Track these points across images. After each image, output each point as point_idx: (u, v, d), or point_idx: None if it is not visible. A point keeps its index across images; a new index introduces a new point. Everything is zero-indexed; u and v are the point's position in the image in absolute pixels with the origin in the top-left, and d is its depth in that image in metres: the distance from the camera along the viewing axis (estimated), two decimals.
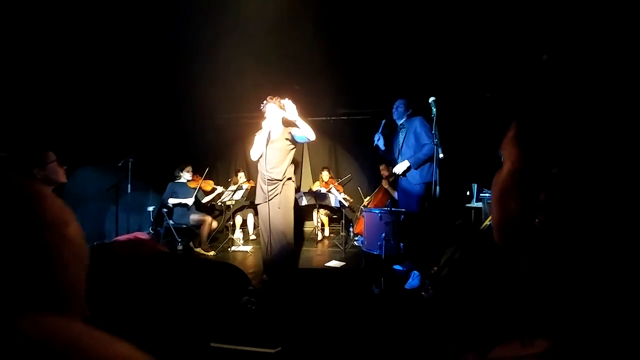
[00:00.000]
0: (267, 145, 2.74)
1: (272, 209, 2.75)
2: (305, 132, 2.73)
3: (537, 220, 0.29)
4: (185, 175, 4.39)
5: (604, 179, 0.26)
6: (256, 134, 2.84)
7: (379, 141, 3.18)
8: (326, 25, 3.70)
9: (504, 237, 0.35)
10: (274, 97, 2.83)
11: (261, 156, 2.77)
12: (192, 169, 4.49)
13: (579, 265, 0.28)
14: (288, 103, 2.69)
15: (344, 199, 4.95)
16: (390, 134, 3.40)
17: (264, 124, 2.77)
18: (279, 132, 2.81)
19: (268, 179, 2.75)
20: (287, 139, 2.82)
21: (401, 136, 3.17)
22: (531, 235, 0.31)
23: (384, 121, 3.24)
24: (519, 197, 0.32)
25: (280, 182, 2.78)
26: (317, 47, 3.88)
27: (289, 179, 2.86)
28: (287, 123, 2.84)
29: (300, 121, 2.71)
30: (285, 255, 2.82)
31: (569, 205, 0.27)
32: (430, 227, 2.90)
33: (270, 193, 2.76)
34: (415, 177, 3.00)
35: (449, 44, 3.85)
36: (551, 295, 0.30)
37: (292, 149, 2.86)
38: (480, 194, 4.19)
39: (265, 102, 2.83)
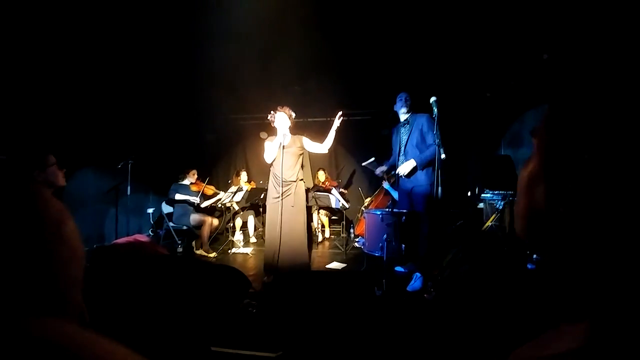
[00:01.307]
0: (280, 150, 3.00)
1: (285, 208, 2.97)
2: (324, 147, 3.11)
3: (562, 208, 0.29)
4: (189, 179, 4.39)
5: (635, 171, 0.25)
6: (267, 140, 3.11)
7: (383, 172, 3.24)
8: (326, 26, 3.70)
9: (528, 226, 0.35)
10: (283, 106, 3.10)
11: (274, 160, 3.05)
12: (196, 173, 4.50)
13: (602, 257, 0.27)
14: (339, 115, 3.13)
15: (339, 193, 4.94)
16: (391, 132, 3.32)
17: (278, 131, 3.06)
18: (289, 138, 3.08)
19: (282, 181, 3.00)
20: (297, 145, 3.11)
21: (404, 133, 3.00)
22: (556, 224, 0.30)
23: (369, 163, 3.32)
24: (547, 186, 0.31)
25: (294, 183, 3.04)
26: (317, 48, 3.88)
27: (301, 180, 3.12)
28: (296, 131, 3.18)
29: (331, 137, 3.12)
30: (297, 253, 2.99)
31: (597, 196, 0.27)
32: (433, 229, 2.86)
33: (284, 193, 3.01)
34: (421, 178, 2.87)
35: (448, 43, 3.84)
36: (572, 289, 0.30)
37: (302, 153, 3.15)
38: (482, 195, 4.18)
39: (273, 112, 3.10)
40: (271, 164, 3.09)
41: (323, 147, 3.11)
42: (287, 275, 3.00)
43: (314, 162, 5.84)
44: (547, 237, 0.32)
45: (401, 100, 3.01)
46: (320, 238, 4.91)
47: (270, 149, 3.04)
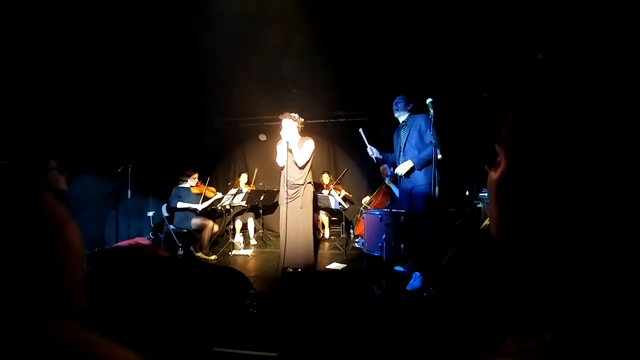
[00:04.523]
0: (288, 154, 3.11)
1: (293, 210, 3.09)
2: (299, 160, 3.11)
3: (537, 218, 0.30)
4: (190, 181, 4.40)
5: (603, 178, 0.26)
6: (277, 144, 3.21)
7: (373, 153, 3.16)
8: (323, 28, 3.73)
9: (503, 235, 0.35)
10: (286, 113, 3.18)
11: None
12: (197, 175, 4.51)
13: (577, 261, 0.28)
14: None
15: (345, 196, 4.97)
16: (389, 133, 3.35)
17: (281, 134, 3.13)
18: (297, 142, 3.16)
19: (291, 183, 3.11)
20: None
21: (403, 134, 3.03)
22: (530, 233, 0.31)
23: (361, 131, 3.20)
24: (517, 196, 0.32)
25: (301, 186, 3.13)
26: (315, 50, 3.91)
27: (309, 183, 3.21)
28: (304, 133, 3.24)
29: (296, 155, 3.10)
30: (302, 250, 3.11)
31: (566, 204, 0.28)
32: (432, 228, 2.88)
33: (292, 196, 3.11)
34: (420, 178, 2.90)
35: (445, 44, 3.87)
36: (550, 289, 0.31)
37: (310, 156, 3.22)
38: (480, 194, 4.20)
39: (281, 117, 3.21)
40: (282, 167, 3.20)
41: (298, 161, 3.13)
42: (288, 276, 3.02)
43: (315, 165, 5.86)
44: (521, 243, 0.33)
45: (396, 104, 3.08)
46: (320, 235, 4.95)
47: (280, 154, 3.15)
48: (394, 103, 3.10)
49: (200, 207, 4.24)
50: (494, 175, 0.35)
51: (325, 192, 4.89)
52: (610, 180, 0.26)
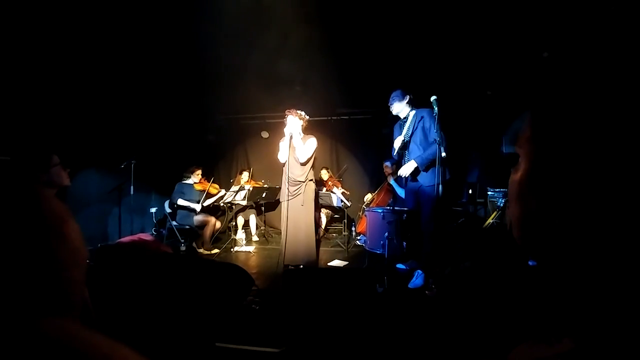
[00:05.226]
0: (289, 151, 3.11)
1: (294, 207, 3.09)
2: (301, 157, 3.09)
3: (558, 219, 0.29)
4: (193, 178, 4.40)
5: (623, 177, 0.26)
6: (280, 141, 3.21)
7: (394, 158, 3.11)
8: (327, 25, 3.70)
9: (524, 235, 0.35)
10: (292, 109, 3.18)
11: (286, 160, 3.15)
12: (201, 172, 4.52)
13: (599, 263, 0.28)
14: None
15: (342, 193, 4.95)
16: (392, 131, 3.23)
17: (285, 130, 3.14)
18: (300, 139, 3.16)
19: (293, 180, 3.11)
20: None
21: (406, 131, 2.90)
22: (551, 233, 0.31)
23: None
24: (538, 196, 0.31)
25: (303, 183, 3.13)
26: (318, 48, 3.88)
27: (310, 180, 3.20)
28: (307, 131, 3.24)
29: (299, 150, 3.09)
30: (303, 247, 3.11)
31: (587, 204, 0.27)
32: (437, 227, 2.82)
33: (294, 193, 3.12)
34: (428, 178, 2.78)
35: (449, 42, 3.84)
36: (569, 292, 0.30)
37: (313, 154, 3.22)
38: (487, 192, 4.19)
39: (286, 113, 3.22)
40: (284, 164, 3.19)
41: (300, 157, 3.10)
42: (290, 272, 3.03)
43: (318, 162, 5.85)
44: (542, 243, 0.32)
45: (391, 101, 2.91)
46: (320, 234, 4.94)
47: (282, 150, 3.15)
48: (389, 102, 2.94)
49: (198, 207, 4.22)
50: (515, 176, 0.35)
51: (324, 189, 4.88)
52: (632, 179, 0.26)
